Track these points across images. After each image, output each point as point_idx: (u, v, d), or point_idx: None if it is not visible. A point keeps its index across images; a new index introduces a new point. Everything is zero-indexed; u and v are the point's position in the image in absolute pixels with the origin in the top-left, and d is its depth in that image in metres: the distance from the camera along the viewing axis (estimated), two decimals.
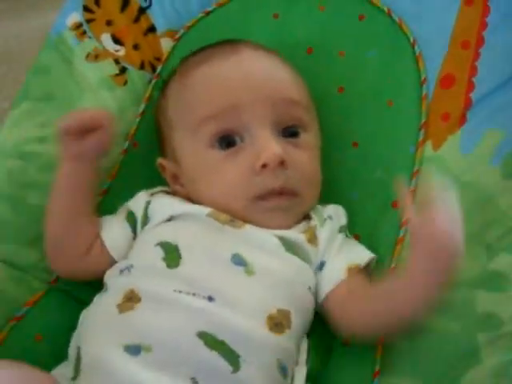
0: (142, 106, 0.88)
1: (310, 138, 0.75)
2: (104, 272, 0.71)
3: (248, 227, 0.69)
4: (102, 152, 0.73)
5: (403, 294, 0.62)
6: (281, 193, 0.70)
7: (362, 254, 0.72)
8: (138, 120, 0.87)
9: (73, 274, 0.74)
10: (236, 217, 0.70)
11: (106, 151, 0.73)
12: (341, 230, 0.74)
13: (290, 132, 0.73)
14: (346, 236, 0.74)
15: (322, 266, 0.71)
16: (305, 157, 0.72)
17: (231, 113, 0.70)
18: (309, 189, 0.73)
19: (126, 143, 0.86)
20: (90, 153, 0.71)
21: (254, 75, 0.73)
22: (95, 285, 0.72)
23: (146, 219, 0.73)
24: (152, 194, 0.75)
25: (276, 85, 0.73)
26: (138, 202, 0.74)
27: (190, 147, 0.73)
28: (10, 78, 1.22)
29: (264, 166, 0.68)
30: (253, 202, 0.70)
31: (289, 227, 0.71)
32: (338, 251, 0.71)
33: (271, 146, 0.68)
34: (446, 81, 0.78)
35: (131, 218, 0.74)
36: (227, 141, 0.71)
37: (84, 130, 0.70)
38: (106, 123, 0.71)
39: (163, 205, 0.73)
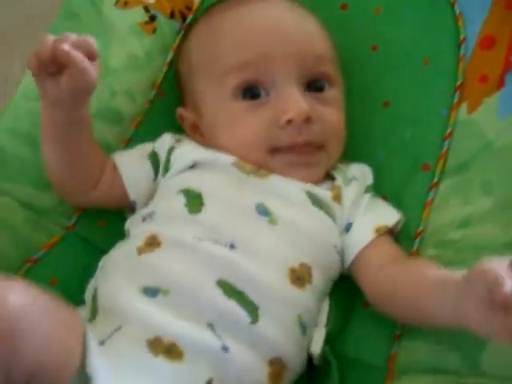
0: (170, 56, 0.86)
1: (335, 92, 0.73)
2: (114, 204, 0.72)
3: (273, 178, 0.68)
4: (83, 90, 0.62)
5: (429, 302, 0.57)
6: (304, 147, 0.68)
7: (390, 215, 0.70)
8: (165, 69, 0.85)
9: (83, 205, 0.75)
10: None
11: (87, 88, 0.62)
12: (367, 189, 0.72)
13: (315, 86, 0.71)
14: (373, 195, 0.72)
15: (349, 227, 0.69)
16: (330, 111, 0.71)
17: (259, 64, 0.69)
18: (334, 142, 0.71)
19: (153, 92, 0.84)
20: (68, 94, 0.61)
21: (282, 27, 0.71)
22: (114, 233, 0.71)
23: (168, 164, 0.71)
24: (177, 141, 0.73)
25: (304, 38, 0.72)
26: (162, 145, 0.73)
27: (213, 96, 0.71)
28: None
29: (289, 121, 0.67)
30: (272, 155, 0.68)
31: (312, 182, 0.69)
32: (365, 211, 0.70)
33: (299, 102, 0.67)
34: (486, 42, 0.75)
35: (154, 158, 0.72)
36: (251, 93, 0.70)
37: (59, 62, 0.59)
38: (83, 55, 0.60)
39: (187, 150, 0.71)
